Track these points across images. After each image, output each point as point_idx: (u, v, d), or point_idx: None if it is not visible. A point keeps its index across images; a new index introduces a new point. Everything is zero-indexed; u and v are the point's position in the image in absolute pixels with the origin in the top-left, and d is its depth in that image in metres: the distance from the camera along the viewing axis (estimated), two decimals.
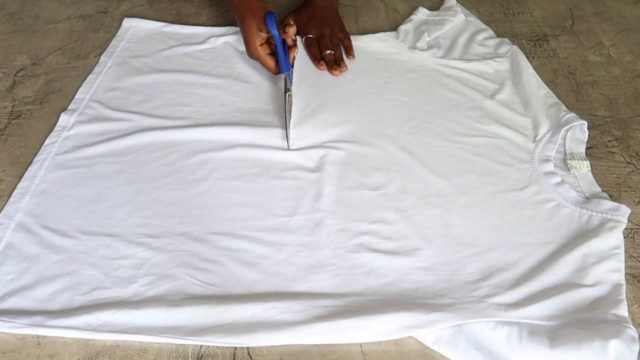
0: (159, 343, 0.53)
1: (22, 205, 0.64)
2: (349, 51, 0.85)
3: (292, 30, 0.75)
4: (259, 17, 0.76)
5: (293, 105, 0.75)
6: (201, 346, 0.53)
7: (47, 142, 0.71)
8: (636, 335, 0.51)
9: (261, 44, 0.78)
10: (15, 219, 0.62)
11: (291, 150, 0.71)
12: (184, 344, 0.53)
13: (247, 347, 0.53)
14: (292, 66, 0.79)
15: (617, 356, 0.49)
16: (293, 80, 0.79)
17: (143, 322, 0.53)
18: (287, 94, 0.73)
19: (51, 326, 0.53)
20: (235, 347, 0.53)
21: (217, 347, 0.53)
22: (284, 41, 0.77)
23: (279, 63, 0.77)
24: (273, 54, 0.79)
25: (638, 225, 0.64)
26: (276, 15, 0.76)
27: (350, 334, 0.52)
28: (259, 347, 0.53)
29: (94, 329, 0.53)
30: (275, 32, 0.75)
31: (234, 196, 0.65)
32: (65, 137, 0.72)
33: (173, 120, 0.75)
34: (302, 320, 0.53)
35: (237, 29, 0.88)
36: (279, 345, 0.53)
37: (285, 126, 0.71)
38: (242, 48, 0.86)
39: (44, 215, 0.63)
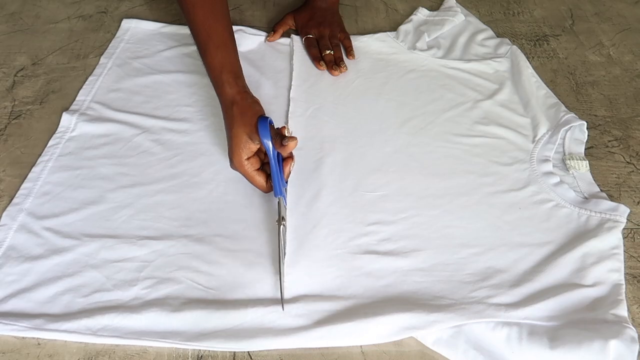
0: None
1: (25, 207, 0.64)
2: (349, 51, 0.85)
3: (292, 144, 0.60)
4: (250, 123, 0.61)
5: (288, 233, 0.61)
6: None
7: (50, 143, 0.71)
8: (636, 336, 0.51)
9: (248, 158, 0.63)
10: (18, 220, 0.62)
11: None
12: None
13: None
14: (287, 182, 0.64)
15: (617, 356, 0.49)
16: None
17: (143, 327, 0.53)
18: (282, 225, 0.58)
19: (51, 329, 0.53)
20: None
21: None
22: (278, 154, 0.62)
23: (272, 182, 0.61)
24: (262, 168, 0.65)
25: (638, 225, 0.64)
26: (271, 120, 0.62)
27: (351, 337, 0.52)
28: None
29: (94, 333, 0.53)
30: (268, 142, 0.60)
31: (236, 199, 0.65)
32: (69, 138, 0.72)
33: (175, 121, 0.75)
34: (302, 324, 0.53)
35: (237, 28, 0.88)
36: None
37: (280, 273, 0.56)
38: (242, 48, 0.86)
39: (47, 216, 0.63)
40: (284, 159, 0.63)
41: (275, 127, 0.63)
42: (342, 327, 0.52)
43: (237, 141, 0.62)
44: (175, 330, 0.53)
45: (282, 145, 0.59)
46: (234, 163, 0.63)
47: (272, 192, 0.62)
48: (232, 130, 0.63)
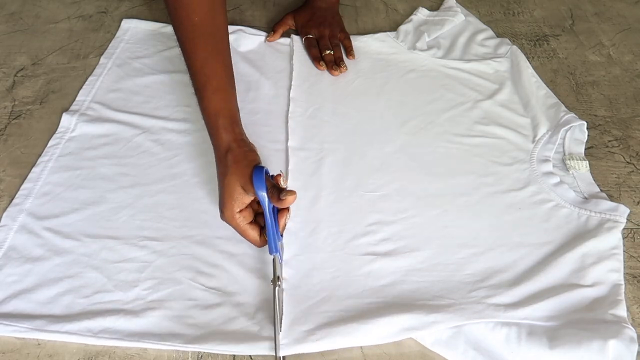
0: None
1: (25, 207, 0.64)
2: (349, 51, 0.85)
3: (290, 198, 0.54)
4: (245, 173, 0.56)
5: (285, 299, 0.56)
6: None
7: (50, 143, 0.71)
8: (635, 336, 0.51)
9: (240, 210, 0.57)
10: (18, 220, 0.62)
11: (290, 149, 0.71)
12: None
13: None
14: (282, 236, 0.58)
15: (616, 356, 0.49)
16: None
17: (144, 329, 0.53)
18: (277, 287, 0.53)
19: (52, 331, 0.53)
20: None
21: None
22: (274, 206, 0.56)
23: (267, 238, 0.56)
24: (255, 220, 0.59)
25: (638, 225, 0.64)
26: (267, 169, 0.56)
27: (350, 338, 0.52)
28: None
29: (95, 335, 0.53)
30: (263, 194, 0.54)
31: None
32: (69, 138, 0.72)
33: (175, 121, 0.75)
34: (302, 328, 0.53)
35: (237, 28, 0.88)
36: None
37: (274, 331, 0.52)
38: (242, 48, 0.87)
39: (47, 217, 0.63)
40: (280, 211, 0.57)
41: (273, 170, 0.59)
42: (341, 329, 0.52)
43: (229, 192, 0.57)
44: (176, 332, 0.53)
45: (279, 199, 0.54)
46: (224, 215, 0.58)
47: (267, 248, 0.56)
48: (224, 180, 0.57)
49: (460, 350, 0.52)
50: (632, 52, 0.89)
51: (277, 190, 0.54)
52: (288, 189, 0.55)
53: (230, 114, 0.63)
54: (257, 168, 0.55)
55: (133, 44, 0.87)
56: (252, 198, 0.57)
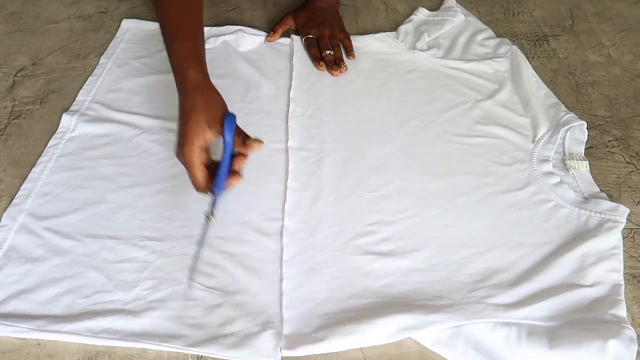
0: None
1: (25, 207, 0.64)
2: (349, 51, 0.85)
3: (256, 145, 0.56)
4: (214, 115, 0.57)
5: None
6: None
7: (50, 143, 0.71)
8: (635, 336, 0.51)
9: (199, 149, 0.57)
10: (18, 220, 0.62)
11: (290, 149, 0.71)
12: None
13: None
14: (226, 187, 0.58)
15: (616, 356, 0.49)
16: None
17: (144, 330, 0.53)
18: (209, 221, 0.57)
19: (52, 331, 0.53)
20: None
21: None
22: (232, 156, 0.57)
23: (218, 176, 0.56)
24: (207, 166, 0.58)
25: (638, 225, 0.64)
26: (235, 118, 0.58)
27: (350, 339, 0.52)
28: None
29: (95, 335, 0.53)
30: (230, 138, 0.56)
31: (237, 200, 0.65)
32: (69, 138, 0.72)
33: (175, 121, 0.74)
34: (303, 329, 0.53)
35: (237, 28, 0.88)
36: None
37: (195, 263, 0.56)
38: (242, 48, 0.87)
39: (47, 217, 0.63)
40: (233, 173, 0.58)
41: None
42: (342, 330, 0.52)
43: (194, 128, 0.57)
44: (176, 333, 0.53)
45: (244, 144, 0.56)
46: (182, 149, 0.57)
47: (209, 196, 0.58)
48: (189, 116, 0.57)
49: (460, 350, 0.52)
50: (632, 52, 0.89)
51: (243, 135, 0.57)
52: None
53: (198, 58, 0.63)
54: (229, 113, 0.57)
55: (133, 44, 0.87)
56: (213, 137, 0.57)
